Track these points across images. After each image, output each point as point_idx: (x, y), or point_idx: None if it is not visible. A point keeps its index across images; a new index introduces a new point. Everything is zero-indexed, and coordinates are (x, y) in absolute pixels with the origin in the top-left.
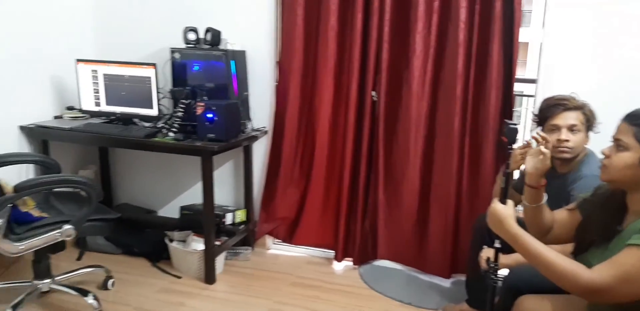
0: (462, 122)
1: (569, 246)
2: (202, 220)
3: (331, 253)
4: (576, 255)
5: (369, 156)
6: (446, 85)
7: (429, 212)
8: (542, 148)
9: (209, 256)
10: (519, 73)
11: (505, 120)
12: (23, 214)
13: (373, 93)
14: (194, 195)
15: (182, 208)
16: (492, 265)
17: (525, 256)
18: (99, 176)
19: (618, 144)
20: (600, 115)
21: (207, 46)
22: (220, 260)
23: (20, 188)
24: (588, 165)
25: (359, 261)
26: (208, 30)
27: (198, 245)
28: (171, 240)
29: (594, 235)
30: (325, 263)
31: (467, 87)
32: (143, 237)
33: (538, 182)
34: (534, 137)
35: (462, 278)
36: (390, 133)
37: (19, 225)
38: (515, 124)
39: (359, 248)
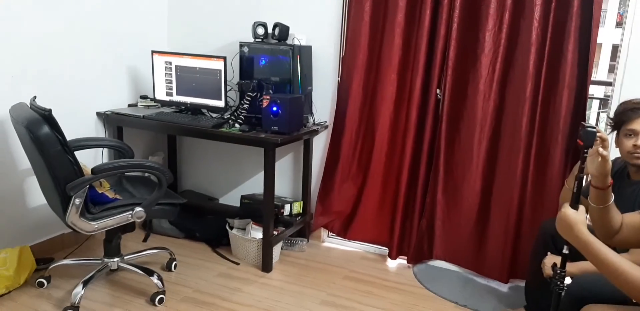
0: (530, 123)
1: None
2: (261, 209)
3: (385, 250)
4: None
5: (429, 155)
6: (515, 85)
7: (490, 215)
8: (600, 149)
9: (267, 244)
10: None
11: (583, 122)
12: (99, 195)
13: (438, 91)
14: (254, 185)
15: (243, 197)
16: (558, 272)
17: (596, 264)
18: (166, 162)
19: None
20: None
21: (275, 41)
22: (276, 250)
23: (98, 171)
24: None
25: (414, 260)
26: (276, 25)
27: (257, 233)
28: (231, 228)
29: None
30: (378, 260)
31: (537, 88)
32: (205, 223)
33: (604, 183)
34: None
35: (521, 283)
36: (453, 133)
37: (95, 205)
38: (593, 127)
39: (414, 247)
